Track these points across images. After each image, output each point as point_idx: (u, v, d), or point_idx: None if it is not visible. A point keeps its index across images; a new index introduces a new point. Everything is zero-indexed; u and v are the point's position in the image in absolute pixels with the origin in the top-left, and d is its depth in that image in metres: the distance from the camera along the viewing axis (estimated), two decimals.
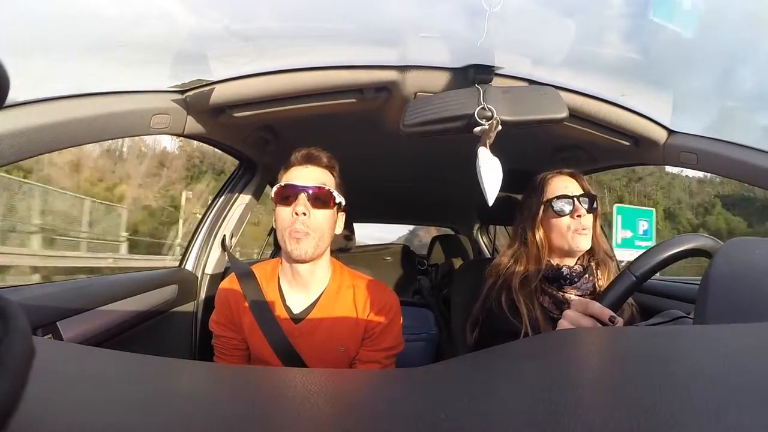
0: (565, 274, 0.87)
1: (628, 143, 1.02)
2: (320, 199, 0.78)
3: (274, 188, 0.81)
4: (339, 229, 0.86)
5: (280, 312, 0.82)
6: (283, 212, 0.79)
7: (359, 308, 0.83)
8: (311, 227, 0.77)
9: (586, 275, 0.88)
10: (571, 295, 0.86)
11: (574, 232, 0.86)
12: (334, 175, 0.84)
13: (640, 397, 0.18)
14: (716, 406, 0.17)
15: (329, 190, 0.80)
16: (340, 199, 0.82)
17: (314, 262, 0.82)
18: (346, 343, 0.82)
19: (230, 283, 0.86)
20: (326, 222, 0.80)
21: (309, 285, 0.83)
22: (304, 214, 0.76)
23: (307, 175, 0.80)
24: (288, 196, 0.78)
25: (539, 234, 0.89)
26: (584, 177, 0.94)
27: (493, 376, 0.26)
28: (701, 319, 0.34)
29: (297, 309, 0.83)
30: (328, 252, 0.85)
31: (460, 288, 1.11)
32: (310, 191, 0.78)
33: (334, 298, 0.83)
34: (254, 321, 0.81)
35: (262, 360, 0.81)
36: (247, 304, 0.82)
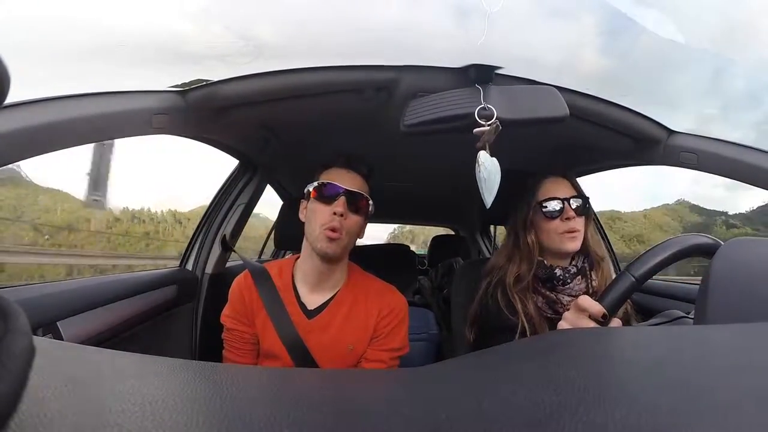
0: (558, 275, 0.88)
1: (628, 143, 1.02)
2: (357, 204, 0.82)
3: (313, 184, 0.83)
4: (363, 234, 0.89)
5: (293, 308, 0.84)
6: (321, 209, 0.81)
7: (371, 309, 0.85)
8: (346, 228, 0.80)
9: (579, 276, 0.88)
10: (564, 296, 0.87)
11: (563, 234, 0.87)
12: (369, 185, 0.87)
13: (640, 396, 0.18)
14: (716, 406, 0.17)
15: (367, 198, 0.83)
16: (372, 208, 0.85)
17: (337, 261, 0.84)
18: (355, 342, 0.84)
19: (245, 278, 0.87)
20: (358, 227, 0.84)
21: (326, 283, 0.86)
22: (342, 215, 0.79)
23: (349, 180, 0.83)
24: (328, 194, 0.81)
25: (530, 235, 0.90)
26: (577, 178, 0.94)
27: (494, 376, 0.26)
28: (701, 319, 0.34)
29: (311, 306, 0.85)
30: (347, 253, 0.88)
31: (460, 288, 1.11)
32: (350, 195, 0.81)
33: (348, 298, 0.86)
34: (267, 316, 0.82)
35: (272, 355, 0.83)
36: (260, 300, 0.84)
